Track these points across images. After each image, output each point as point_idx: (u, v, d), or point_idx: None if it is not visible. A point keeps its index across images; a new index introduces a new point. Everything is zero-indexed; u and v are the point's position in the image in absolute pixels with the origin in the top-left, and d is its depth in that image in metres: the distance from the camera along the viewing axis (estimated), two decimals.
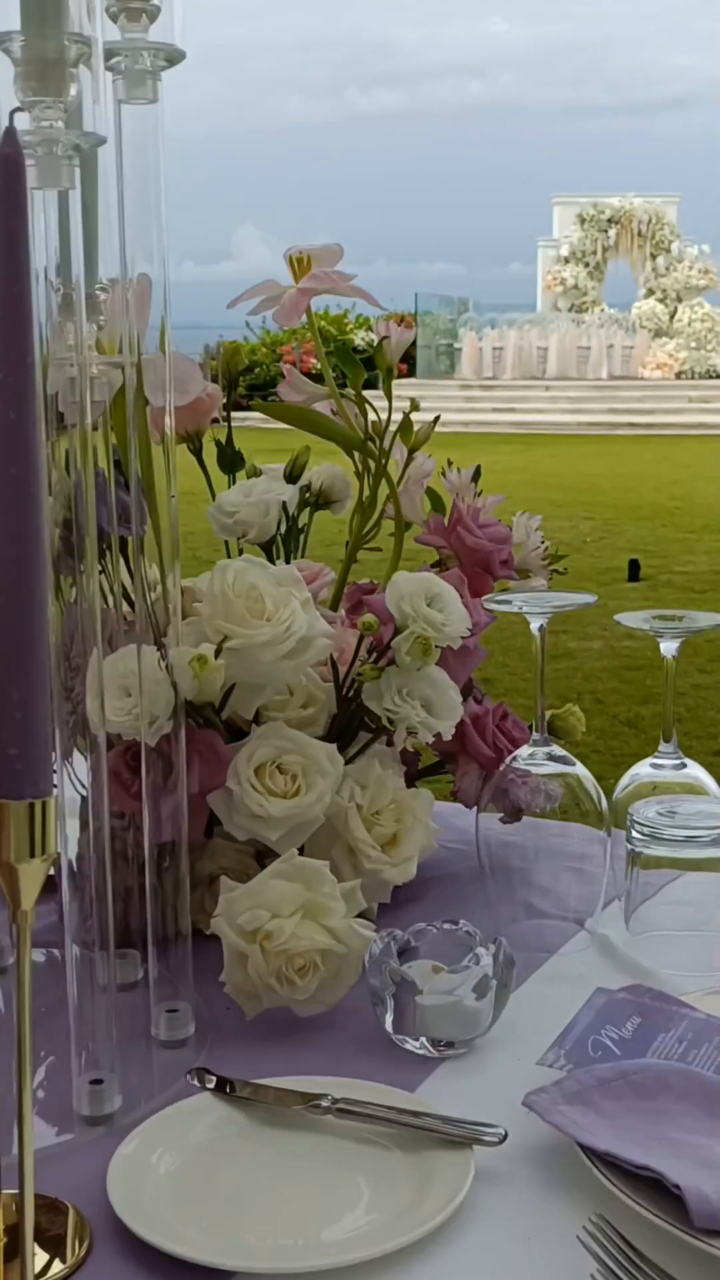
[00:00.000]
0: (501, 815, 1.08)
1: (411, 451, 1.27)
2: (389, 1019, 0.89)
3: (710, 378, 24.09)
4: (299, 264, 1.12)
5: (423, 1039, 0.89)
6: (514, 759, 1.07)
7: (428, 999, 0.88)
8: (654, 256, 27.16)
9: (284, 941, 0.88)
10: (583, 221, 27.67)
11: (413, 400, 1.24)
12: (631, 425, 19.96)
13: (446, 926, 0.94)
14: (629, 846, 1.04)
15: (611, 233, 27.60)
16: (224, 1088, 0.83)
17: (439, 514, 1.25)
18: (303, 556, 1.25)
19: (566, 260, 27.63)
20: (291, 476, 1.09)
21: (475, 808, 1.09)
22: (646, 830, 1.02)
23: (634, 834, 1.03)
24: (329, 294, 1.13)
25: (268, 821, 0.94)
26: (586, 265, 27.67)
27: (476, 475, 1.28)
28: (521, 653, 6.02)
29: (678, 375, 24.26)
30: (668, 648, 1.11)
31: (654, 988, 0.91)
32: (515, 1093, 0.82)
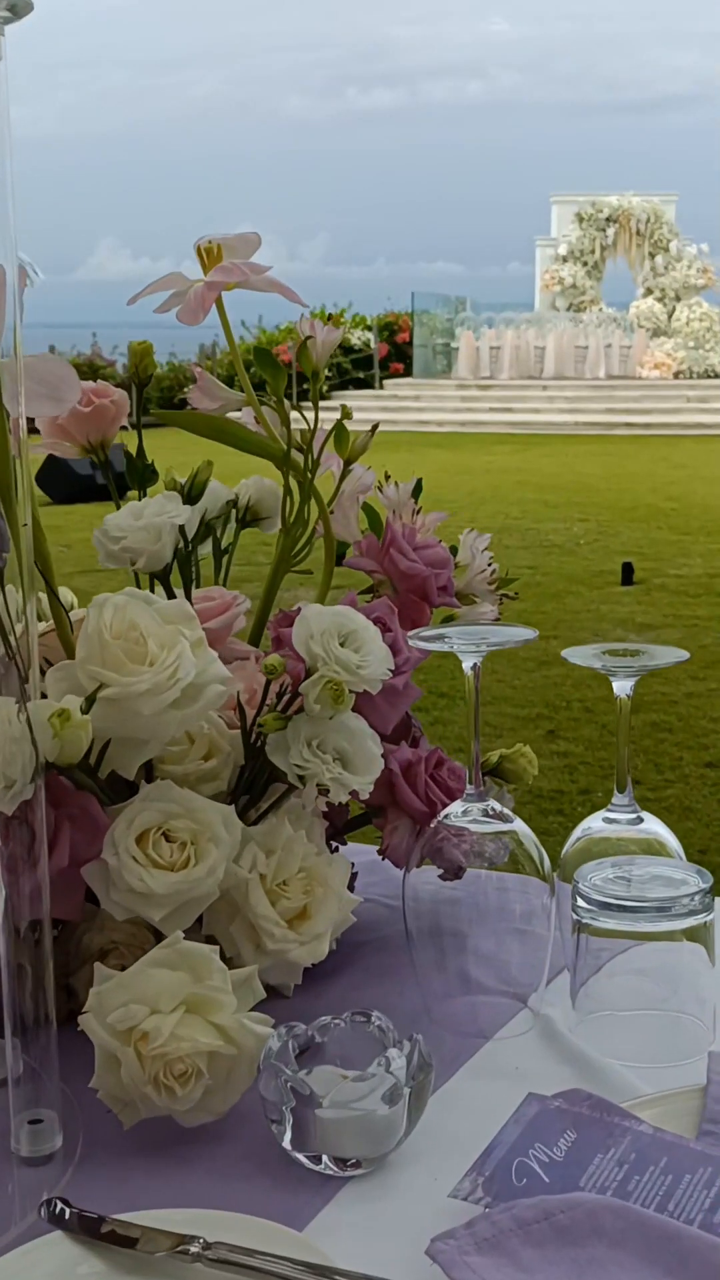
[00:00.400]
0: (441, 872, 0.96)
1: (347, 463, 1.14)
2: (287, 1135, 0.76)
3: (708, 377, 23.95)
4: (208, 255, 1.00)
5: (325, 1157, 0.76)
6: (446, 815, 0.94)
7: (329, 1112, 0.75)
8: (652, 255, 27.01)
9: (162, 1044, 0.76)
10: (581, 220, 27.52)
11: (344, 408, 1.11)
12: (629, 425, 19.83)
13: (356, 1020, 0.82)
14: (574, 917, 0.91)
15: (610, 231, 27.45)
16: (84, 1223, 0.71)
17: (373, 533, 1.12)
18: (224, 581, 1.13)
19: (564, 259, 27.48)
20: (190, 496, 0.96)
21: (404, 869, 0.96)
22: (595, 900, 0.90)
23: (580, 903, 0.90)
24: (242, 289, 1.01)
25: (150, 898, 0.81)
26: (585, 264, 27.52)
27: (417, 490, 1.16)
28: (510, 658, 5.90)
29: (676, 375, 24.12)
30: (621, 687, 0.98)
31: (594, 1095, 0.78)
32: (427, 1224, 0.70)
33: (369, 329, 24.18)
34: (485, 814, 0.93)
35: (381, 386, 23.43)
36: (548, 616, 6.77)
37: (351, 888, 1.05)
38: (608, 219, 27.35)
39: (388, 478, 1.15)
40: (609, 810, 1.00)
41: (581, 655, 0.98)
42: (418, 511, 1.13)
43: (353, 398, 22.38)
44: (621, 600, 7.16)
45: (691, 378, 23.91)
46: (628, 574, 7.64)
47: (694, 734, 4.81)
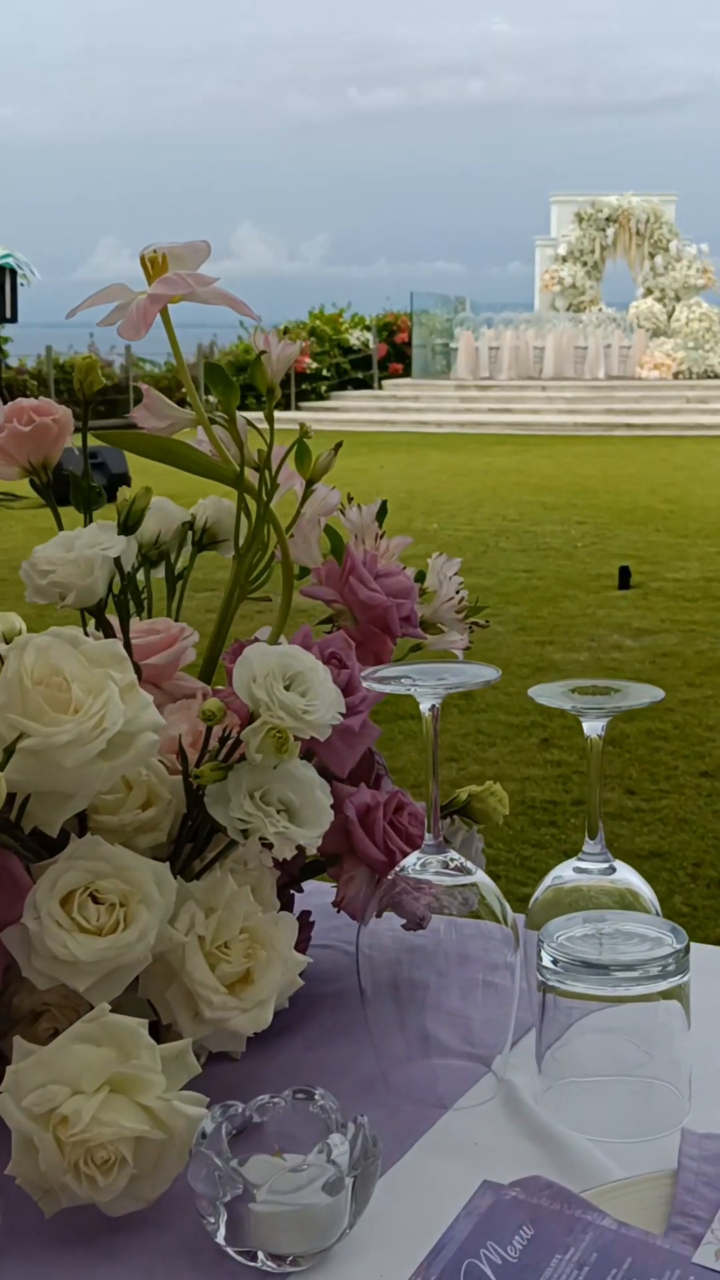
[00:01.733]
0: (403, 923, 0.89)
1: (310, 483, 1.08)
2: (220, 1230, 0.70)
3: (708, 378, 23.88)
4: (153, 265, 0.93)
5: (261, 1254, 0.70)
6: (402, 868, 0.88)
7: (265, 1205, 0.69)
8: (652, 255, 26.94)
9: (82, 1129, 0.69)
10: (580, 220, 27.45)
11: (303, 425, 1.05)
12: (628, 426, 19.77)
13: (298, 1098, 0.75)
14: (540, 978, 0.85)
15: (609, 231, 27.38)
16: None
17: (334, 559, 1.06)
18: (178, 608, 1.07)
19: (564, 259, 27.41)
20: (126, 526, 0.90)
21: (360, 921, 0.90)
22: (564, 961, 0.83)
23: (546, 963, 0.84)
24: (190, 301, 0.94)
25: (75, 966, 0.75)
26: (584, 264, 27.44)
27: (382, 513, 1.09)
28: (505, 664, 5.84)
29: (675, 375, 24.05)
30: (592, 727, 0.92)
31: (554, 1183, 0.72)
32: None
33: (368, 329, 24.11)
34: (445, 866, 0.87)
35: (380, 387, 23.37)
36: (544, 621, 6.71)
37: (308, 937, 0.99)
38: (607, 219, 27.28)
39: (350, 500, 1.09)
40: (580, 859, 0.93)
41: (550, 695, 0.91)
42: (381, 536, 1.06)
43: (351, 398, 22.33)
44: (618, 604, 7.09)
45: (691, 378, 23.85)
46: (625, 578, 7.57)
47: (690, 742, 4.74)
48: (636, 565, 7.96)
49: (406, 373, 24.25)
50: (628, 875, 0.93)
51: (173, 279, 0.91)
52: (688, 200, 30.12)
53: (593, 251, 27.44)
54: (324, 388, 22.64)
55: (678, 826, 3.97)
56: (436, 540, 9.19)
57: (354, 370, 23.63)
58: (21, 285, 19.15)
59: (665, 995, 0.84)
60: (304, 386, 22.14)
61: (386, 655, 1.01)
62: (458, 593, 1.09)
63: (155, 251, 0.94)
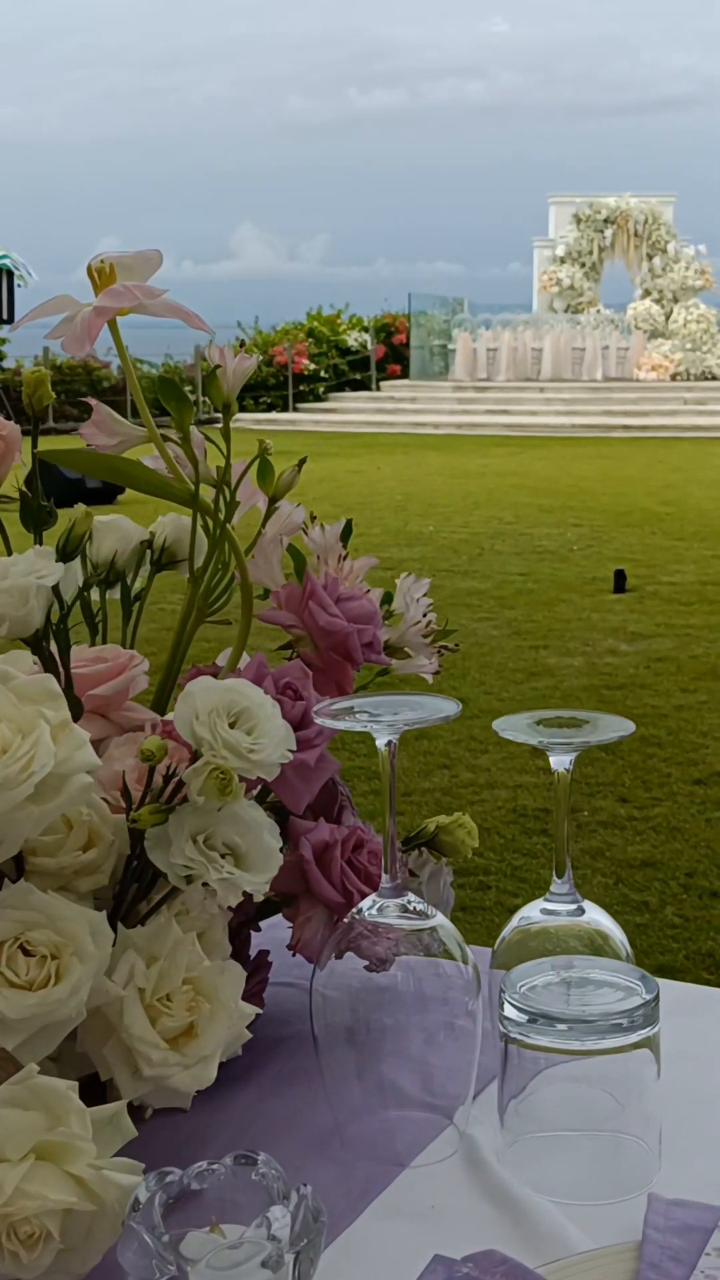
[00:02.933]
0: (365, 963, 0.85)
1: (273, 500, 1.04)
2: None
3: (706, 379, 23.84)
4: (100, 276, 0.89)
5: None
6: (359, 911, 0.83)
7: None
8: (650, 257, 26.90)
9: (4, 1203, 0.65)
10: (579, 221, 27.40)
11: (261, 441, 1.00)
12: (626, 428, 19.73)
13: (239, 1164, 0.71)
14: (501, 1029, 0.81)
15: (608, 233, 27.33)
16: None
17: (294, 581, 1.01)
18: (134, 631, 1.03)
19: (562, 260, 27.36)
20: (66, 552, 0.85)
21: (315, 964, 0.85)
22: (528, 1013, 0.79)
23: (509, 1013, 0.80)
24: (138, 314, 0.90)
25: (3, 1023, 0.70)
26: (583, 265, 27.40)
27: (346, 532, 1.05)
28: (499, 670, 5.79)
29: (673, 377, 24.01)
30: (559, 761, 0.88)
31: (510, 1258, 0.67)
32: None
33: (366, 330, 24.07)
34: (404, 910, 0.83)
35: (378, 388, 23.32)
36: (538, 625, 6.67)
37: (265, 978, 0.95)
38: (605, 220, 27.24)
39: (314, 519, 1.04)
40: (547, 899, 0.89)
41: (515, 728, 0.87)
42: (344, 557, 1.02)
43: (349, 399, 22.30)
44: (613, 608, 7.05)
45: (689, 380, 23.81)
46: (620, 581, 7.53)
47: (683, 749, 4.70)
48: (632, 568, 7.92)
49: (404, 374, 24.20)
50: (597, 916, 0.89)
51: (119, 291, 0.87)
52: (686, 201, 30.08)
53: (591, 253, 27.39)
54: (322, 389, 22.58)
55: (670, 835, 3.93)
56: (432, 543, 9.15)
57: (352, 372, 23.57)
58: (19, 286, 19.10)
59: (634, 1044, 0.80)
60: (301, 388, 22.08)
61: (348, 683, 0.97)
62: (425, 615, 1.05)
63: (103, 261, 0.90)
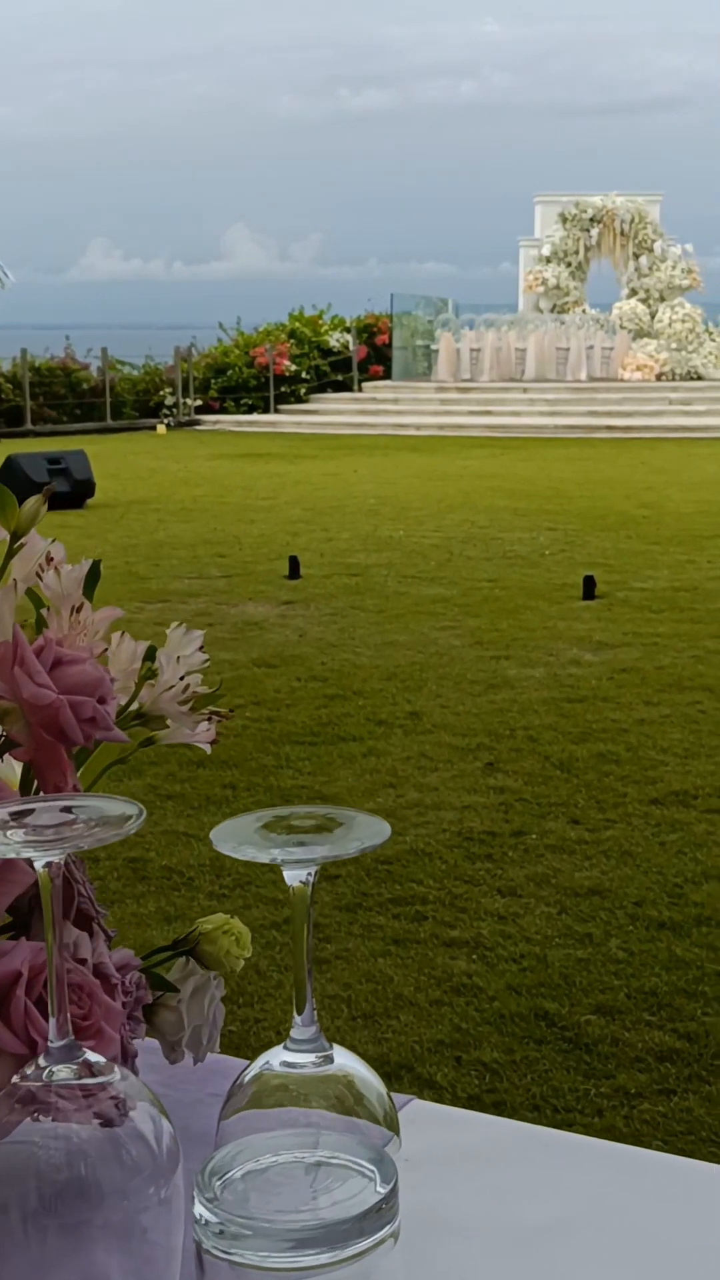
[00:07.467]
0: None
1: (15, 536, 0.86)
2: None
3: (691, 379, 23.69)
4: None
5: None
6: (24, 1073, 0.65)
7: None
8: (636, 256, 26.75)
9: None
10: (565, 220, 27.25)
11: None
12: (610, 428, 19.58)
13: None
14: (194, 1235, 0.62)
15: (594, 232, 27.18)
16: None
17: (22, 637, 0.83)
18: None
19: (548, 260, 27.20)
20: None
21: None
22: (222, 1221, 0.61)
23: (198, 1219, 0.61)
24: None
25: None
26: (568, 265, 27.24)
27: (93, 576, 0.87)
28: (457, 681, 5.61)
29: (658, 377, 23.86)
30: (294, 875, 0.70)
31: None
32: None
33: (348, 331, 23.88)
34: (74, 1076, 0.64)
35: (360, 389, 23.14)
36: (502, 634, 6.49)
37: None
38: (591, 219, 27.10)
39: (49, 561, 0.86)
40: (288, 1046, 0.71)
41: (234, 837, 0.69)
42: (80, 609, 0.84)
43: (331, 400, 22.12)
44: (581, 616, 6.87)
45: (674, 380, 23.66)
46: (589, 588, 7.36)
47: (641, 766, 4.52)
48: (604, 574, 7.75)
49: (387, 375, 24.03)
50: (348, 1063, 0.71)
51: None
52: (674, 200, 29.93)
53: (577, 252, 27.25)
54: (303, 390, 22.38)
55: (621, 860, 3.75)
56: (400, 548, 8.96)
57: (334, 372, 23.39)
58: None
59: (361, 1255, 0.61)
60: (283, 389, 21.88)
61: (65, 769, 0.79)
62: (182, 679, 0.86)
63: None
